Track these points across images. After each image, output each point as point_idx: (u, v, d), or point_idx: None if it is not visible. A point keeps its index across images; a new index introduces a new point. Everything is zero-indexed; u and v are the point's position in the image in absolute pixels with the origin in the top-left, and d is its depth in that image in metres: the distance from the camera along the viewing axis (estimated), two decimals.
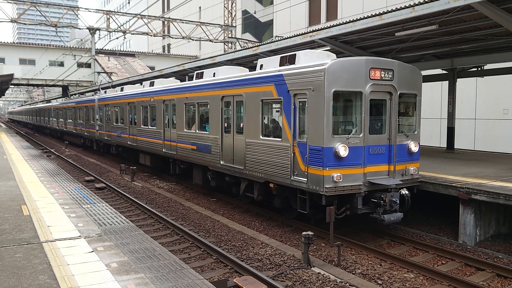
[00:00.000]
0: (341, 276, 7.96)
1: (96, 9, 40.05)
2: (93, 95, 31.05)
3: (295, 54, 10.95)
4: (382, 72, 9.76)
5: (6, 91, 68.90)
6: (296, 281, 7.74)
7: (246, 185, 12.44)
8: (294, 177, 10.05)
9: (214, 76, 14.44)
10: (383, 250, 9.43)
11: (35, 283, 5.39)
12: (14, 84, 53.22)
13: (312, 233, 8.34)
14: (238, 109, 12.51)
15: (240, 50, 19.80)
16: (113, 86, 32.19)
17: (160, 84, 18.90)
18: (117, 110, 23.63)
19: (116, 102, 23.85)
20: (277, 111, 11.32)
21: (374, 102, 9.88)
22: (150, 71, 33.55)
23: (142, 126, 19.71)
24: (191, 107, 15.45)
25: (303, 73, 9.81)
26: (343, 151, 9.20)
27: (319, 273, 8.07)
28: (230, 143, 12.75)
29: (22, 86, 72.80)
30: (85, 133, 30.53)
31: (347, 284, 7.62)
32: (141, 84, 23.29)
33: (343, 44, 14.48)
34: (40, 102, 72.95)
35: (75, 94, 45.09)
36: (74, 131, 34.63)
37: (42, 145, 36.70)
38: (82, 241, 7.22)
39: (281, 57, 11.46)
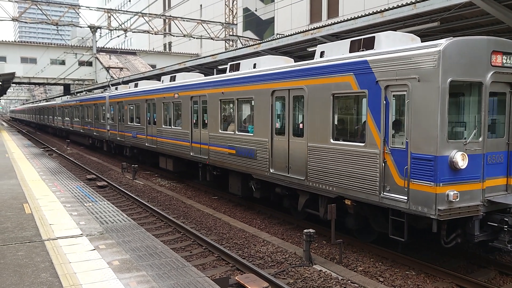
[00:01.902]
0: (342, 273, 7.96)
1: (97, 8, 40.03)
2: (102, 92, 29.02)
3: (374, 37, 9.03)
4: (504, 57, 7.73)
5: (8, 90, 69.02)
6: (297, 279, 7.74)
7: (307, 199, 10.21)
8: (385, 193, 7.94)
9: (254, 67, 12.42)
10: (384, 248, 9.43)
11: (37, 281, 5.41)
12: (16, 83, 53.28)
13: (313, 230, 8.34)
14: (295, 106, 10.39)
15: (241, 48, 19.77)
16: (124, 82, 30.55)
17: (183, 79, 16.90)
18: (132, 108, 21.34)
19: (131, 99, 21.52)
20: (357, 109, 9.20)
21: (493, 96, 7.94)
22: (169, 65, 31.09)
23: (163, 126, 17.43)
24: (229, 104, 13.26)
25: (401, 58, 7.67)
26: (461, 161, 7.21)
27: (320, 270, 8.07)
28: (283, 147, 10.55)
29: (24, 85, 72.93)
30: (94, 133, 28.44)
31: (349, 281, 7.63)
32: (159, 80, 21.10)
33: None
34: (43, 100, 70.91)
35: (81, 92, 43.45)
36: (81, 130, 32.58)
37: (44, 143, 36.75)
38: (84, 239, 7.24)
39: (351, 41, 9.48)
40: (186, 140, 15.50)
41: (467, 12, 10.89)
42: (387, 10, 11.57)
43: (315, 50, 10.61)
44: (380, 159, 8.03)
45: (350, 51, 9.25)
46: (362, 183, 8.39)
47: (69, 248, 6.72)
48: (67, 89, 54.62)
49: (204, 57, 22.51)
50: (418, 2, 10.57)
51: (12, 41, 53.37)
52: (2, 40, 50.37)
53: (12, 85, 56.44)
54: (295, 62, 11.39)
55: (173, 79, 17.93)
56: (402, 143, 7.71)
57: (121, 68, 31.52)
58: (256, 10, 41.00)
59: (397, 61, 7.72)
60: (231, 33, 40.52)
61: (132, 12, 38.28)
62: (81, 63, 47.65)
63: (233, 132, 12.66)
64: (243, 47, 19.52)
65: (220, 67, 19.72)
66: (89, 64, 50.62)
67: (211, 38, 40.35)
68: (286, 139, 10.54)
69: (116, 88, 26.19)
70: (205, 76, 16.28)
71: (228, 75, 13.14)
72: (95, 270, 5.84)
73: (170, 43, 62.50)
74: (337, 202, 9.05)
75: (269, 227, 11.26)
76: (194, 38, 40.86)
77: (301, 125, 10.15)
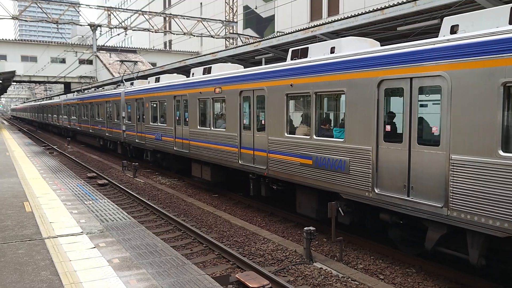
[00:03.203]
0: (343, 271, 7.96)
1: (97, 6, 39.99)
2: (115, 88, 25.91)
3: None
4: None
5: (8, 88, 69.06)
6: (298, 276, 7.74)
7: (443, 234, 7.27)
8: None
9: (332, 52, 9.72)
10: (385, 246, 9.42)
11: (38, 279, 5.41)
12: (16, 81, 53.34)
13: (314, 228, 8.34)
14: (419, 104, 7.46)
15: (241, 45, 19.75)
16: (140, 77, 27.85)
17: (220, 71, 14.33)
18: (155, 105, 18.60)
19: (153, 95, 18.57)
20: None
21: None
22: (168, 63, 28.86)
23: (199, 128, 14.62)
24: (301, 99, 10.89)
25: None
26: None
27: (321, 268, 8.07)
28: (400, 160, 7.60)
29: (24, 83, 72.96)
30: (106, 134, 25.57)
31: (349, 279, 7.63)
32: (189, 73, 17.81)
33: None
34: (47, 98, 67.10)
35: (88, 89, 40.48)
36: (90, 131, 29.64)
37: (44, 142, 36.77)
38: (84, 237, 7.24)
39: None
40: (233, 145, 12.61)
41: (468, 9, 10.86)
42: (387, 7, 11.55)
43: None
44: None
45: None
46: None
47: (69, 246, 6.73)
48: (67, 88, 54.66)
49: (205, 55, 22.49)
50: None
51: (12, 40, 53.32)
52: (3, 39, 50.38)
53: (12, 83, 56.47)
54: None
55: (207, 71, 15.13)
56: None
57: (135, 62, 28.15)
58: (256, 8, 40.94)
59: None
60: (231, 31, 40.47)
61: (132, 10, 38.22)
62: (82, 62, 47.66)
63: (307, 137, 9.76)
64: (243, 45, 19.50)
65: (259, 57, 16.79)
66: (90, 62, 50.65)
67: (212, 36, 40.29)
68: (405, 148, 7.49)
69: (132, 84, 23.42)
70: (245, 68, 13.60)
71: (300, 61, 9.99)
72: (95, 268, 5.84)
73: (170, 41, 62.47)
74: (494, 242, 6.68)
75: (269, 225, 11.26)
76: (194, 36, 40.80)
77: (435, 129, 7.31)
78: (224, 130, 13.19)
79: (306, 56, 10.39)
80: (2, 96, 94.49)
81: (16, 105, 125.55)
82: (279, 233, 10.58)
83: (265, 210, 12.70)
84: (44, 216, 8.58)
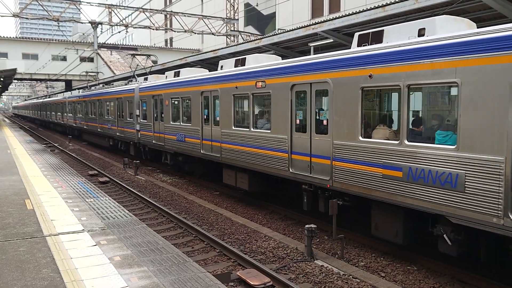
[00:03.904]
0: (344, 268, 7.96)
1: (98, 3, 39.98)
2: (127, 84, 24.01)
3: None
4: None
5: (10, 86, 69.10)
6: (299, 274, 7.74)
7: None
8: None
9: (421, 35, 7.87)
10: (386, 243, 9.42)
11: (39, 277, 5.42)
12: (17, 79, 53.38)
13: (315, 226, 8.33)
14: None
15: (242, 43, 19.74)
16: (153, 72, 26.50)
17: (256, 62, 12.40)
18: (176, 103, 16.54)
19: (175, 91, 16.53)
20: None
21: None
22: (170, 61, 27.36)
23: (234, 128, 12.59)
24: (382, 93, 8.75)
25: None
26: None
27: (322, 265, 8.07)
28: None
29: (25, 81, 73.01)
30: (117, 134, 23.65)
31: (350, 276, 7.63)
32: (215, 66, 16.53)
33: (346, 37, 14.40)
34: (51, 94, 64.79)
35: (95, 85, 38.79)
36: (98, 130, 27.56)
37: (45, 139, 36.82)
38: (85, 234, 7.25)
39: None
40: (281, 150, 10.66)
41: (470, 6, 10.84)
42: (389, 4, 11.52)
43: None
44: None
45: None
46: None
47: (71, 244, 6.73)
48: (68, 85, 54.68)
49: (205, 52, 22.48)
50: None
51: (13, 37, 53.38)
52: (4, 36, 50.42)
53: (13, 81, 56.51)
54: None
55: (241, 63, 13.05)
56: None
57: (148, 55, 25.36)
58: (257, 5, 40.88)
59: None
60: (232, 29, 40.44)
61: (133, 8, 38.21)
62: (83, 59, 47.67)
63: (395, 142, 7.77)
64: (244, 42, 19.49)
65: (315, 44, 14.53)
66: (91, 60, 50.66)
67: (212, 34, 40.27)
68: None
69: (146, 79, 21.66)
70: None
71: (384, 46, 8.00)
72: (97, 265, 5.84)
73: (171, 39, 62.45)
74: None
75: (270, 223, 11.26)
76: (195, 33, 40.79)
77: None
78: (268, 131, 11.14)
79: (380, 41, 8.61)
80: (3, 94, 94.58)
81: (18, 102, 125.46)
82: (280, 230, 10.58)
83: (266, 207, 12.70)
84: (45, 213, 8.59)
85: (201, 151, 14.51)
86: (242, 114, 12.74)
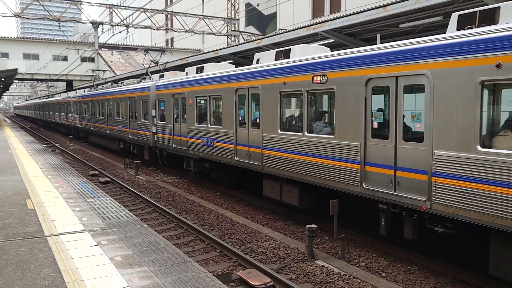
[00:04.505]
0: (345, 269, 7.95)
1: (99, 3, 40.02)
2: (139, 82, 22.01)
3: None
4: None
5: (11, 86, 69.19)
6: (300, 274, 7.74)
7: None
8: None
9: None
10: (387, 243, 9.41)
11: (40, 277, 5.42)
12: (18, 79, 53.45)
13: (316, 226, 8.33)
14: None
15: (243, 43, 19.74)
16: (167, 69, 25.07)
17: (303, 55, 10.59)
18: (202, 102, 14.79)
19: (201, 88, 14.50)
20: None
21: None
22: (171, 61, 25.89)
23: (280, 132, 10.68)
24: None
25: None
26: None
27: (323, 266, 8.07)
28: None
29: (26, 81, 73.09)
30: (129, 136, 21.71)
31: (351, 276, 7.62)
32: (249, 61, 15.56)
33: (346, 37, 14.41)
34: (55, 94, 63.23)
35: (102, 84, 36.30)
36: (107, 132, 25.74)
37: (46, 139, 36.85)
38: (86, 234, 7.25)
39: None
40: (348, 160, 8.80)
41: (471, 6, 10.82)
42: (390, 4, 11.52)
43: None
44: None
45: None
46: None
47: (72, 244, 6.74)
48: (69, 85, 54.74)
49: (206, 52, 22.48)
50: None
51: (14, 37, 53.46)
52: (5, 37, 50.50)
53: (14, 81, 56.59)
54: None
55: (283, 55, 11.23)
56: None
57: (162, 51, 23.28)
58: (258, 5, 40.89)
59: None
60: (233, 29, 40.44)
61: (134, 8, 38.21)
62: (84, 59, 47.71)
63: None
64: (245, 42, 19.49)
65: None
66: (92, 60, 50.68)
67: (213, 34, 40.26)
68: None
69: (162, 76, 19.56)
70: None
71: None
72: (97, 265, 5.85)
73: (172, 39, 62.47)
74: None
75: (271, 223, 11.26)
76: (196, 33, 40.79)
77: None
78: (330, 137, 9.28)
79: (493, 22, 6.66)
80: (4, 94, 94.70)
81: (19, 102, 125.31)
82: (281, 230, 10.58)
83: (267, 208, 12.69)
84: (46, 213, 8.60)
85: (235, 158, 12.59)
86: (292, 116, 11.07)
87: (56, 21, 35.82)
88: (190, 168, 16.12)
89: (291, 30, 15.45)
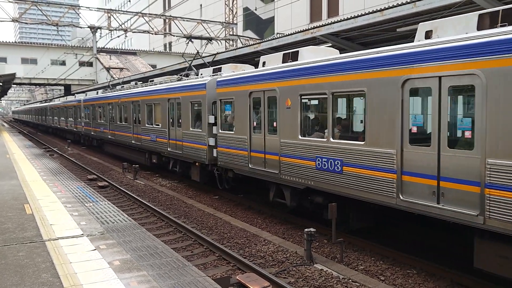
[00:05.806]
0: (343, 272, 7.95)
1: (97, 8, 40.05)
2: (179, 79, 17.63)
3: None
4: None
5: (8, 91, 69.14)
6: (299, 278, 7.74)
7: None
8: None
9: None
10: (386, 247, 9.42)
11: (38, 281, 5.41)
12: (16, 84, 53.42)
13: (314, 230, 8.33)
14: None
15: (241, 47, 19.77)
16: (214, 63, 19.86)
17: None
18: (316, 103, 10.72)
19: (310, 82, 9.60)
20: None
21: None
22: (169, 65, 24.58)
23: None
24: None
25: None
26: None
27: (321, 269, 8.07)
28: None
29: (24, 86, 73.05)
30: (169, 149, 17.00)
31: (350, 280, 7.62)
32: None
33: (344, 41, 14.46)
34: (59, 96, 57.32)
35: (118, 84, 30.97)
36: (133, 142, 20.95)
37: (44, 144, 36.78)
38: (84, 239, 7.24)
39: None
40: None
41: (467, 10, 10.88)
42: (387, 8, 11.57)
43: None
44: None
45: None
46: None
47: (70, 249, 6.73)
48: (67, 90, 54.71)
49: (204, 56, 22.50)
50: (418, 0, 10.58)
51: (12, 42, 53.49)
52: (3, 41, 50.52)
53: (12, 86, 56.56)
54: None
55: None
56: None
57: (209, 40, 19.71)
58: (256, 10, 41.02)
59: None
60: (231, 33, 40.53)
61: (132, 12, 38.27)
62: (82, 64, 47.73)
63: None
64: (243, 47, 19.52)
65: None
66: (90, 64, 50.73)
67: (212, 38, 40.32)
68: None
69: (218, 70, 15.06)
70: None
71: None
72: (96, 270, 5.84)
73: (170, 43, 62.57)
74: None
75: (270, 227, 11.26)
76: (194, 38, 40.84)
77: None
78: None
79: None
80: (2, 98, 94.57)
81: (17, 107, 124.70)
82: (280, 234, 10.58)
83: (265, 211, 12.69)
84: (44, 218, 8.58)
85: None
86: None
87: (54, 25, 35.83)
88: (283, 200, 11.20)
89: (289, 35, 15.50)
